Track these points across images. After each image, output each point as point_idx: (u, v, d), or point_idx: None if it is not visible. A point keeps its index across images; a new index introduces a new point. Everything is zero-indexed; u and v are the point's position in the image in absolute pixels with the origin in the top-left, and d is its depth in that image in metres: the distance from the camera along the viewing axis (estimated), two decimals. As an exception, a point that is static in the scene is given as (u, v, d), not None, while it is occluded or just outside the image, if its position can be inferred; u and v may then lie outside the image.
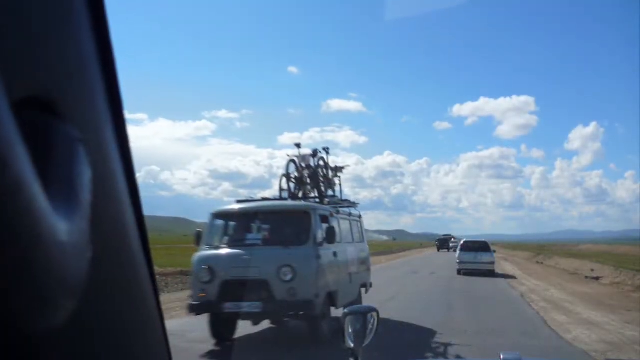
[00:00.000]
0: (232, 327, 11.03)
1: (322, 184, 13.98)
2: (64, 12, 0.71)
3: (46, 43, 0.66)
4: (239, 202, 12.21)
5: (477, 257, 31.21)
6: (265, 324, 11.87)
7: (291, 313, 10.44)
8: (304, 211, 11.00)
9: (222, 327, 10.80)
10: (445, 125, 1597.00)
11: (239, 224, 11.55)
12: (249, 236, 11.00)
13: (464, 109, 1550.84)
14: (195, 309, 10.41)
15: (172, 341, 1.07)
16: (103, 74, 0.79)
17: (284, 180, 13.40)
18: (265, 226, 11.49)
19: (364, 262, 14.25)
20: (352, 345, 2.47)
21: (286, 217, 11.24)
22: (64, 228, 0.61)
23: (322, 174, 14.14)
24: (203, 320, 10.77)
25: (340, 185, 14.98)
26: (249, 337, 11.50)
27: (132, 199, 0.87)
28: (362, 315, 2.53)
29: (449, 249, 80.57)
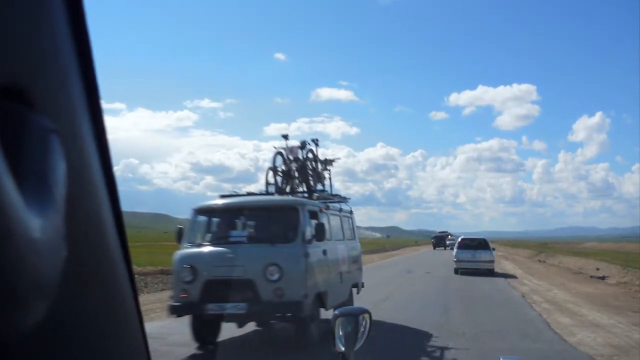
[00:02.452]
0: (216, 330, 11.03)
1: (310, 178, 13.98)
2: None
3: (17, 28, 0.66)
4: (222, 197, 12.21)
5: (475, 255, 31.34)
6: (251, 327, 11.87)
7: (278, 315, 10.45)
8: (291, 207, 11.01)
9: (204, 330, 10.80)
10: (441, 115, 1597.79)
11: (223, 220, 11.54)
12: (234, 233, 11.00)
13: (462, 98, 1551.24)
14: (176, 311, 10.40)
15: (152, 344, 1.08)
16: (78, 60, 0.79)
17: (271, 173, 13.40)
18: (250, 223, 11.49)
19: (356, 261, 14.29)
20: (342, 349, 2.48)
21: (273, 213, 11.26)
22: (36, 224, 0.61)
23: (310, 167, 14.14)
24: (184, 322, 10.77)
25: (330, 179, 15.00)
26: (233, 341, 11.50)
27: (109, 193, 0.87)
28: (354, 317, 2.54)
29: (445, 246, 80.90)
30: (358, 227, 15.84)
